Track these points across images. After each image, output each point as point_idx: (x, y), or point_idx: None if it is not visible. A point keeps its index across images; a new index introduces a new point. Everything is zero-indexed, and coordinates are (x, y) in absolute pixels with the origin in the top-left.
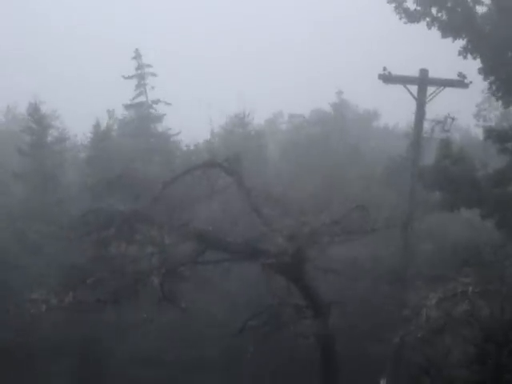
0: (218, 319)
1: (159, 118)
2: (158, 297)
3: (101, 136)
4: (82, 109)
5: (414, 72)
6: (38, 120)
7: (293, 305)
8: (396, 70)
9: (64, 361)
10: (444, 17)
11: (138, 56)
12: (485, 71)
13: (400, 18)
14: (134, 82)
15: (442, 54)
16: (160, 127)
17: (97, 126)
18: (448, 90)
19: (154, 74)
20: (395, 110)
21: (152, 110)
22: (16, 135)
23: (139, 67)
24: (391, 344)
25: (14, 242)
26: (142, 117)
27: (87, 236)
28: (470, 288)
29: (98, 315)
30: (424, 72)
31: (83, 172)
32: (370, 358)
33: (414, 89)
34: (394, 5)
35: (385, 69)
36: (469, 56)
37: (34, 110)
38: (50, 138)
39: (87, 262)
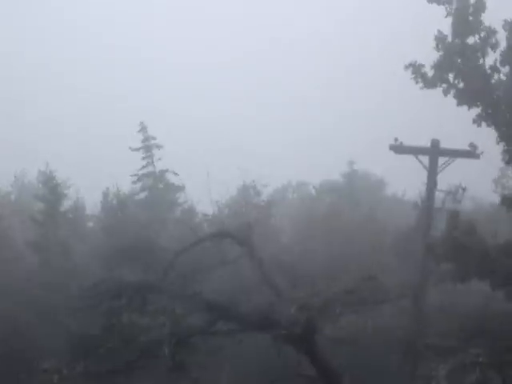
0: None
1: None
2: (169, 367)
3: (112, 208)
4: (89, 178)
5: (427, 139)
6: (51, 189)
7: (304, 376)
8: (409, 137)
9: None
10: (460, 84)
11: (143, 128)
12: (498, 140)
13: (416, 83)
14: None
15: (458, 121)
16: (171, 197)
17: (106, 196)
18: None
19: (159, 146)
20: (406, 178)
21: (159, 181)
22: (27, 204)
23: (145, 139)
24: None
25: (27, 310)
26: (151, 187)
27: (99, 306)
28: (481, 358)
29: None
30: (435, 142)
31: (94, 241)
32: None
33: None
34: (411, 70)
35: (396, 140)
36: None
37: (48, 179)
38: (62, 208)
39: (98, 332)
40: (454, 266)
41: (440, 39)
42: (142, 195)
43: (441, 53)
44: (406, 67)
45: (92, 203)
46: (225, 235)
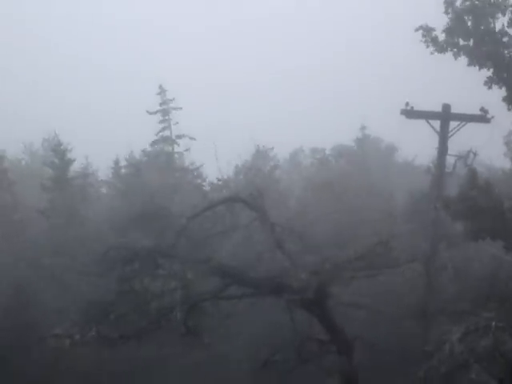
0: (242, 354)
1: (179, 155)
2: (181, 332)
3: (125, 173)
4: (107, 142)
5: (437, 104)
6: (60, 155)
7: (316, 340)
8: (420, 102)
9: None
10: (471, 45)
11: (162, 91)
12: (509, 100)
13: (427, 47)
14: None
15: (468, 86)
16: (185, 162)
17: (117, 162)
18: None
19: (178, 108)
20: (418, 143)
21: (175, 146)
22: (38, 170)
23: (163, 103)
24: (415, 379)
25: (39, 276)
26: (167, 152)
27: (111, 271)
28: (494, 322)
29: (121, 350)
30: (446, 107)
31: (106, 207)
32: None
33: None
34: (421, 33)
35: (407, 104)
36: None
37: (57, 145)
38: (71, 173)
39: (111, 297)
40: (469, 224)
41: (449, 3)
42: (157, 160)
43: (450, 16)
44: (416, 29)
45: (106, 168)
46: (236, 200)
